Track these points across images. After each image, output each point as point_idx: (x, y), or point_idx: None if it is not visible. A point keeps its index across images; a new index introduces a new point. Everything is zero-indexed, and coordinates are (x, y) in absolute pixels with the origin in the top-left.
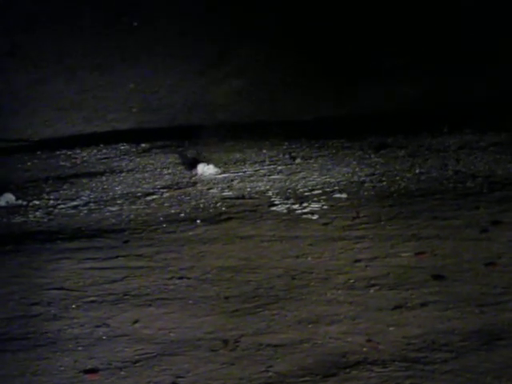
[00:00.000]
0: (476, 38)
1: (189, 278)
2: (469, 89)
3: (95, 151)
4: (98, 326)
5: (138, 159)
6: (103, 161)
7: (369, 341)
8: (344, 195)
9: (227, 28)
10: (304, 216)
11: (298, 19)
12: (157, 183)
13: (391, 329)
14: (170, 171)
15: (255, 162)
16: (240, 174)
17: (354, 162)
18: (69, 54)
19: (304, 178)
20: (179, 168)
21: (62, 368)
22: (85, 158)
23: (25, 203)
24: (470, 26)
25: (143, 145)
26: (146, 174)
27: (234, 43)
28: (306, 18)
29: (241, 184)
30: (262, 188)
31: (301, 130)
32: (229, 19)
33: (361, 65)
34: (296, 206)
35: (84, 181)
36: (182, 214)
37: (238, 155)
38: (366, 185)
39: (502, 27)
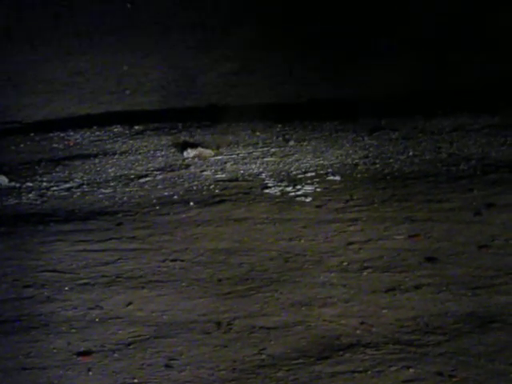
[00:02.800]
0: (474, 23)
1: (182, 261)
2: (463, 72)
3: (88, 133)
4: (91, 309)
5: (131, 141)
6: (96, 143)
7: (362, 323)
8: (337, 177)
9: (223, 10)
10: (297, 198)
11: (296, 2)
12: (150, 165)
13: (384, 311)
14: (163, 153)
15: (248, 145)
16: (233, 156)
17: (348, 145)
18: (63, 36)
19: (297, 160)
20: (172, 150)
21: (55, 350)
22: (78, 140)
23: (18, 185)
24: (467, 11)
25: (136, 127)
26: (139, 157)
27: (230, 25)
28: (305, 2)
29: (234, 166)
30: (256, 170)
31: (294, 113)
32: (226, 0)
33: (356, 48)
34: (289, 189)
35: (77, 163)
36: (176, 197)
37: (231, 137)
38: (359, 167)
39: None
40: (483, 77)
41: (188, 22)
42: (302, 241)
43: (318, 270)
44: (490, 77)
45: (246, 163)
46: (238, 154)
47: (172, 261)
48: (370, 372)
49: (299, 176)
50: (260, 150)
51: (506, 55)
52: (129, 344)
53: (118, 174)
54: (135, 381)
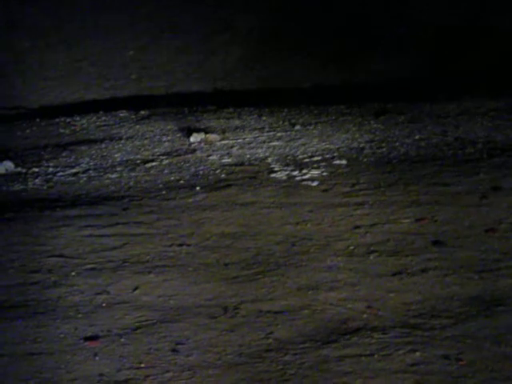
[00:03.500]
0: (480, 9)
1: (188, 245)
2: (468, 56)
3: (94, 118)
4: (97, 294)
5: (138, 126)
6: (102, 128)
7: (369, 307)
8: (344, 161)
9: None
10: (304, 183)
11: None
12: (156, 150)
13: (391, 295)
14: (169, 138)
15: (255, 129)
16: (239, 140)
17: (354, 129)
18: (68, 23)
19: (303, 144)
20: (178, 135)
21: (62, 335)
22: (84, 126)
23: (24, 171)
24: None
25: (142, 112)
26: (146, 141)
27: (236, 12)
28: None
29: (240, 151)
30: (262, 155)
31: (300, 97)
32: None
33: (362, 33)
34: (296, 173)
35: (83, 148)
36: (182, 181)
37: (237, 122)
38: (365, 151)
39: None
40: (488, 63)
41: (194, 7)
42: (309, 225)
43: (325, 254)
44: (493, 62)
45: (252, 148)
46: (244, 139)
47: (178, 245)
48: (376, 355)
49: (305, 160)
50: (266, 134)
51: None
52: (135, 329)
53: (125, 158)
54: (142, 365)
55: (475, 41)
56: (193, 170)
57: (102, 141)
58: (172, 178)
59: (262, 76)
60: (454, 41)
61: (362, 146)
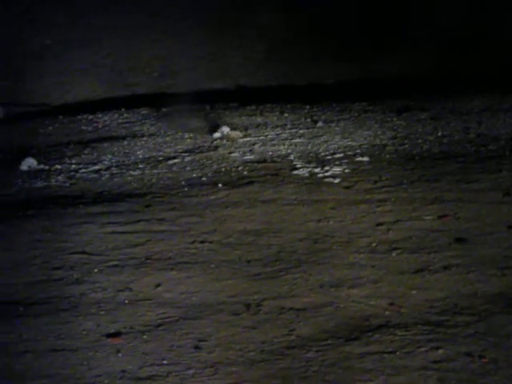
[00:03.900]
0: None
1: (211, 242)
2: (494, 53)
3: (116, 115)
4: (120, 290)
5: (160, 123)
6: (125, 125)
7: (391, 304)
8: (366, 158)
9: None
10: (326, 180)
11: None
12: (178, 147)
13: (413, 292)
14: (191, 135)
15: (277, 126)
16: (261, 137)
17: (376, 125)
18: (90, 20)
19: (326, 141)
20: (201, 132)
21: (85, 332)
22: (106, 123)
23: (47, 168)
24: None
25: (164, 109)
26: (168, 138)
27: (257, 7)
28: None
29: (262, 148)
30: (284, 152)
31: (322, 94)
32: None
33: (385, 31)
34: (318, 170)
35: (105, 145)
36: (204, 178)
37: (259, 119)
38: (388, 148)
39: None
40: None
41: (215, 2)
42: (331, 222)
43: (347, 251)
44: None
45: (274, 145)
46: (266, 136)
47: (201, 242)
48: (398, 353)
49: (328, 157)
50: (288, 131)
51: None
52: (158, 325)
53: (147, 155)
54: (164, 362)
55: (496, 39)
56: (215, 166)
57: (124, 138)
58: (194, 175)
59: (284, 72)
60: (474, 40)
61: (384, 142)
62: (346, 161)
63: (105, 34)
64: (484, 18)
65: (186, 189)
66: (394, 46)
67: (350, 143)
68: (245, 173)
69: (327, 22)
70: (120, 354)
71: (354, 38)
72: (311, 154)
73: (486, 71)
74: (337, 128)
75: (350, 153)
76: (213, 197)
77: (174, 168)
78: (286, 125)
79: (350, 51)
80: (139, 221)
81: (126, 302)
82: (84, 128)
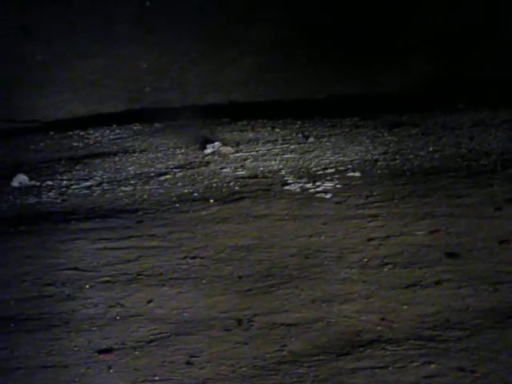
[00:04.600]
0: (492, 17)
1: (202, 258)
2: (483, 66)
3: (108, 131)
4: (111, 306)
5: (151, 139)
6: (116, 141)
7: (383, 319)
8: (357, 174)
9: (240, 7)
10: (317, 195)
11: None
12: (170, 163)
13: (405, 307)
14: (182, 151)
15: (268, 141)
16: (253, 153)
17: (368, 141)
18: (81, 34)
19: (317, 156)
20: (192, 148)
21: (77, 348)
22: (98, 139)
23: (38, 184)
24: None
25: (156, 124)
26: (159, 154)
27: (248, 22)
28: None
29: (254, 163)
30: (275, 167)
31: (314, 109)
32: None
33: (375, 44)
34: (309, 185)
35: (97, 161)
36: (195, 194)
37: (250, 134)
38: (379, 163)
39: None
40: (503, 72)
41: (208, 18)
42: (322, 237)
43: (339, 267)
44: (510, 72)
45: (265, 160)
46: (257, 151)
47: (192, 258)
48: (390, 368)
49: (319, 172)
50: (280, 146)
51: None
52: (150, 341)
53: (138, 171)
54: (156, 378)
55: (492, 50)
56: (206, 182)
57: (115, 154)
58: (186, 191)
59: (276, 87)
60: (467, 49)
61: (375, 158)
62: (337, 176)
63: (97, 49)
64: (473, 30)
65: (177, 205)
66: (385, 62)
67: (341, 158)
68: (236, 188)
69: (317, 36)
70: (112, 370)
71: (344, 53)
72: (302, 170)
73: (478, 85)
74: (328, 143)
75: (341, 168)
76: (204, 212)
77: (166, 184)
78: (277, 140)
79: (340, 66)
80: (131, 237)
81: (118, 318)
82: (75, 144)
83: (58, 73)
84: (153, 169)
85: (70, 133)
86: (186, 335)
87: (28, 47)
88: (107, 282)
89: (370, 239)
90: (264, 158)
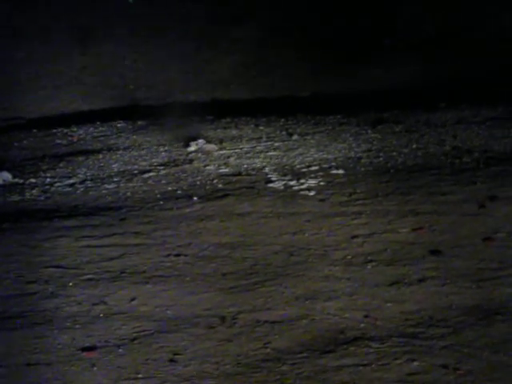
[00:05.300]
0: (476, 19)
1: (186, 255)
2: (466, 65)
3: (92, 129)
4: (95, 304)
5: (135, 136)
6: (100, 138)
7: (366, 316)
8: (341, 171)
9: (225, 6)
10: (301, 192)
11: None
12: (153, 160)
13: (389, 304)
14: (166, 148)
15: (252, 139)
16: (237, 150)
17: (351, 138)
18: (64, 32)
19: (301, 154)
20: (176, 145)
21: (60, 346)
22: (81, 136)
23: (21, 181)
24: (469, 10)
25: (140, 122)
26: (143, 152)
27: (232, 21)
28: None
29: (237, 161)
30: (259, 165)
31: (298, 107)
32: None
33: (359, 43)
34: (293, 183)
35: (80, 158)
36: (179, 191)
37: (234, 132)
38: (362, 161)
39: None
40: (487, 71)
41: (191, 16)
42: (306, 234)
43: (322, 264)
44: (493, 71)
45: (249, 157)
46: (241, 149)
47: (176, 256)
48: (374, 365)
49: (303, 170)
50: (263, 144)
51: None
52: (133, 339)
53: (122, 169)
54: (139, 376)
55: (475, 48)
56: (190, 180)
57: (99, 151)
58: (169, 189)
59: (259, 85)
60: (451, 48)
61: (359, 155)
62: (321, 173)
63: (81, 48)
64: (459, 28)
65: (161, 202)
66: (369, 56)
67: (325, 156)
68: (220, 186)
69: (302, 34)
70: (95, 368)
71: (329, 51)
72: (286, 167)
73: (461, 83)
74: (312, 141)
75: (325, 165)
76: (188, 210)
77: (149, 181)
78: (261, 138)
79: (324, 64)
80: (114, 234)
81: (101, 315)
82: (59, 142)
83: (41, 70)
84: (136, 166)
85: (54, 130)
86: (170, 333)
87: (12, 45)
88: (91, 279)
89: (353, 236)
90: (248, 155)
